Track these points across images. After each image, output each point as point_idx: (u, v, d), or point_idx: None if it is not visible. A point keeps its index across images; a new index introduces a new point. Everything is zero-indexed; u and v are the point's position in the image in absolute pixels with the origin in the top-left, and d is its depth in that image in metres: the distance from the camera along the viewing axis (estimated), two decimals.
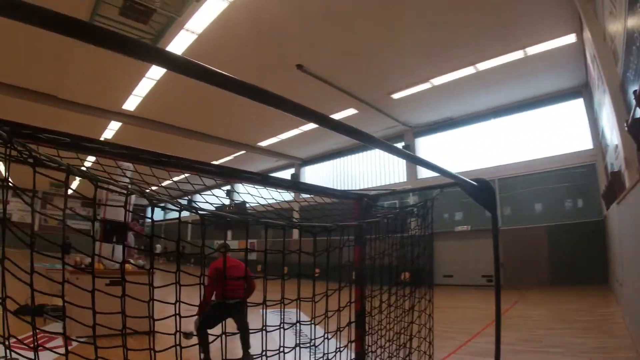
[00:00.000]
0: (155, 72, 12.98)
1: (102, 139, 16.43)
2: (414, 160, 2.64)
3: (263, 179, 3.09)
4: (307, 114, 1.72)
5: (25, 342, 1.40)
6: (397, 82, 13.28)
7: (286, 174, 25.59)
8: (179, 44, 11.00)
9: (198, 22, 9.89)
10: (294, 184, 3.49)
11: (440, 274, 16.51)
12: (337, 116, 15.81)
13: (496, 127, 16.52)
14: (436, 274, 16.70)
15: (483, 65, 12.15)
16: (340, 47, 11.26)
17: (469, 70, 12.44)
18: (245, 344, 4.97)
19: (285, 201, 3.60)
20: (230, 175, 2.95)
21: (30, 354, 1.44)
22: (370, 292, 3.37)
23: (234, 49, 11.32)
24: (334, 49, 11.32)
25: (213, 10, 9.26)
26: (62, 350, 1.56)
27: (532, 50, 11.25)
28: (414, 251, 3.52)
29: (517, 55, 11.53)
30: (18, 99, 14.81)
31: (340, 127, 1.89)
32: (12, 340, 1.49)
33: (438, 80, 13.09)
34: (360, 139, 2.01)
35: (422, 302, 3.52)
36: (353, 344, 3.16)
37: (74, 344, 1.99)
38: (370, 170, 20.86)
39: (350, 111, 15.79)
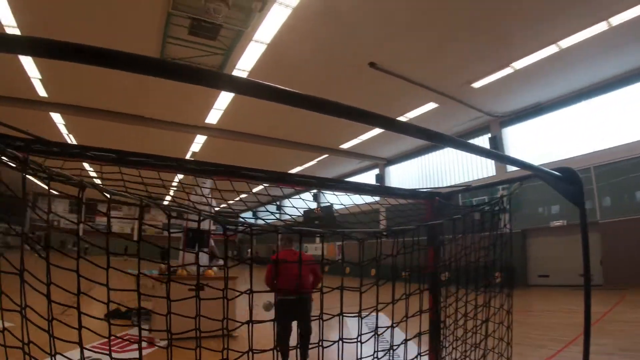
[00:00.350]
0: None
1: (190, 152, 17.88)
2: (476, 152, 2.37)
3: (319, 183, 2.99)
4: (374, 119, 1.66)
5: (113, 344, 1.51)
6: (476, 69, 12.50)
7: (370, 175, 25.27)
8: (250, 56, 11.41)
9: (265, 32, 10.10)
10: (355, 187, 3.34)
11: (535, 273, 15.30)
12: (416, 112, 15.51)
13: (588, 109, 14.83)
14: (530, 274, 15.51)
15: (566, 43, 10.99)
16: (414, 40, 10.85)
17: (551, 50, 11.33)
18: (304, 354, 4.43)
19: (367, 203, 3.39)
20: (280, 180, 2.87)
21: (119, 355, 1.59)
22: (446, 299, 3.09)
23: (304, 53, 11.43)
24: (407, 42, 10.94)
25: (277, 18, 9.41)
26: (146, 352, 1.71)
27: (617, 19, 9.97)
28: (492, 252, 3.15)
29: (601, 27, 10.29)
30: (108, 122, 16.38)
31: (409, 129, 1.80)
32: (101, 342, 1.68)
33: (519, 64, 12.10)
34: (429, 139, 1.89)
35: (501, 311, 3.14)
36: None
37: (159, 344, 2.27)
38: (457, 166, 19.79)
39: (430, 105, 15.16)
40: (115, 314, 6.72)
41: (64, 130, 18.93)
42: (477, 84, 13.36)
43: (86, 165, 2.62)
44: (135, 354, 4.93)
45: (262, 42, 10.67)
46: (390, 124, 1.74)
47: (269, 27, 9.79)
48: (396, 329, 2.46)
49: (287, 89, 1.30)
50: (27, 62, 12.20)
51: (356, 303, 2.22)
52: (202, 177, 4.01)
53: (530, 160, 2.31)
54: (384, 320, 2.71)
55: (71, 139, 20.15)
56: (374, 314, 2.27)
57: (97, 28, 10.62)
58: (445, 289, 3.15)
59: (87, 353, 1.62)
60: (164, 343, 1.87)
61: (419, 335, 2.67)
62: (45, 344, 1.49)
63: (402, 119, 15.98)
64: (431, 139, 1.87)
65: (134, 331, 6.71)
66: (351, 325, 2.87)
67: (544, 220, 15.48)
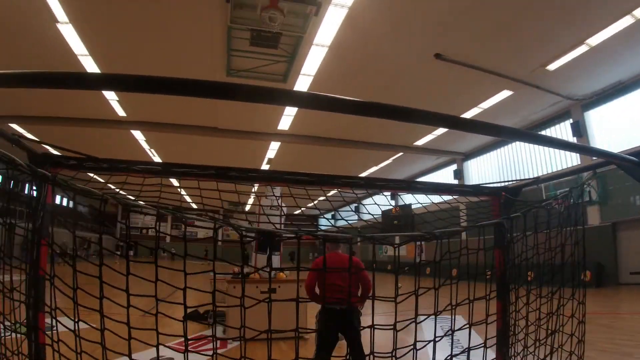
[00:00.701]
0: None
1: (266, 158, 18.51)
2: (537, 141, 2.15)
3: (367, 183, 2.90)
4: (437, 120, 1.64)
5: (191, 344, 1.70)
6: (549, 50, 11.44)
7: (448, 172, 24.37)
8: (313, 60, 11.53)
9: (324, 35, 10.13)
10: (409, 185, 3.21)
11: (626, 270, 13.80)
12: (490, 101, 14.68)
13: None
14: (621, 271, 14.00)
15: None
16: (478, 25, 10.20)
17: (626, 21, 10.12)
18: None
19: (446, 202, 3.23)
20: (324, 183, 2.83)
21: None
22: (515, 305, 2.76)
23: (366, 52, 11.30)
24: (472, 28, 10.32)
25: (335, 19, 9.38)
26: (220, 351, 1.81)
27: None
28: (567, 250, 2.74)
29: None
30: (185, 135, 17.47)
31: (475, 126, 1.67)
32: (177, 342, 1.80)
33: (594, 40, 10.85)
34: (497, 134, 1.80)
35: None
36: None
37: (231, 344, 2.45)
38: (539, 155, 18.17)
39: (504, 93, 14.18)
40: (193, 316, 7.04)
41: (145, 146, 20.44)
42: (551, 66, 12.24)
43: (174, 181, 2.81)
44: (209, 354, 5.14)
45: (323, 45, 10.70)
46: (454, 123, 1.69)
47: (328, 29, 9.80)
48: (463, 335, 2.28)
49: (347, 98, 1.35)
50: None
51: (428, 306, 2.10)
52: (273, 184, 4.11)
53: (621, 144, 2.03)
54: (447, 323, 2.49)
55: (153, 154, 21.64)
56: (447, 316, 2.14)
57: (166, 51, 11.41)
58: (518, 291, 2.79)
59: (163, 351, 1.74)
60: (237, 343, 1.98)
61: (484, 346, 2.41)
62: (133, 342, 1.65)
63: (475, 110, 15.25)
64: (492, 133, 1.75)
65: (209, 332, 6.99)
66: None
67: (637, 211, 13.85)
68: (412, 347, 1.96)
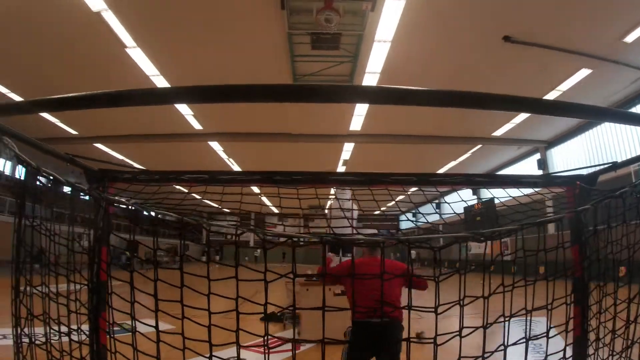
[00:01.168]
0: None
1: (341, 160, 18.72)
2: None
3: (419, 179, 2.78)
4: (518, 104, 1.63)
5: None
6: (625, 20, 10.12)
7: (532, 162, 22.45)
8: (377, 57, 11.36)
9: (385, 30, 9.89)
10: (467, 179, 3.00)
11: None
12: (568, 83, 13.44)
13: None
14: None
15: None
16: (547, 1, 9.37)
17: None
18: None
19: (527, 195, 2.89)
20: (373, 183, 2.76)
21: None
22: (599, 306, 2.33)
23: (430, 42, 10.93)
24: (541, 5, 9.49)
25: (393, 13, 9.10)
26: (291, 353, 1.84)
27: None
28: None
29: None
30: (261, 143, 18.15)
31: (554, 107, 1.57)
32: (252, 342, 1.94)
33: None
34: (580, 115, 1.76)
35: None
36: None
37: (304, 347, 2.49)
38: (633, 135, 15.90)
39: (583, 72, 12.81)
40: (270, 317, 7.27)
41: (224, 155, 21.54)
42: (629, 38, 10.81)
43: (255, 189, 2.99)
44: (282, 356, 5.27)
45: (385, 41, 10.46)
46: (535, 106, 1.62)
47: (387, 24, 9.55)
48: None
49: (419, 89, 1.40)
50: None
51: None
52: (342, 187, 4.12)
53: None
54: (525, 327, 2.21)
55: (232, 163, 22.71)
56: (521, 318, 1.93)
57: (231, 64, 11.97)
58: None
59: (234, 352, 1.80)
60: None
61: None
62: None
63: (554, 93, 14.11)
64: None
65: (284, 334, 7.16)
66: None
67: None
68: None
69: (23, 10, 9.42)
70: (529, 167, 22.71)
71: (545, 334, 1.97)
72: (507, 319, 1.83)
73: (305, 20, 9.13)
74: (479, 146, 20.73)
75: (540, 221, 1.97)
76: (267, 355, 1.74)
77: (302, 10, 8.88)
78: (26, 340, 1.83)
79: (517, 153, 23.36)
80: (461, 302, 1.71)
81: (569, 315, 2.20)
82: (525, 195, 2.82)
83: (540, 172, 20.87)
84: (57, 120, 16.93)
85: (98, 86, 12.41)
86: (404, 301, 2.45)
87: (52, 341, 1.85)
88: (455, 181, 2.94)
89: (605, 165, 2.84)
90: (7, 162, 26.16)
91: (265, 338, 1.68)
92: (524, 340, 1.88)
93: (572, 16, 9.89)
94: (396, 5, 8.81)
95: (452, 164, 23.75)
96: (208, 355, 1.60)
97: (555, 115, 1.49)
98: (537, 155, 21.81)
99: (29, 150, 1.84)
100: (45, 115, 15.76)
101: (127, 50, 11.03)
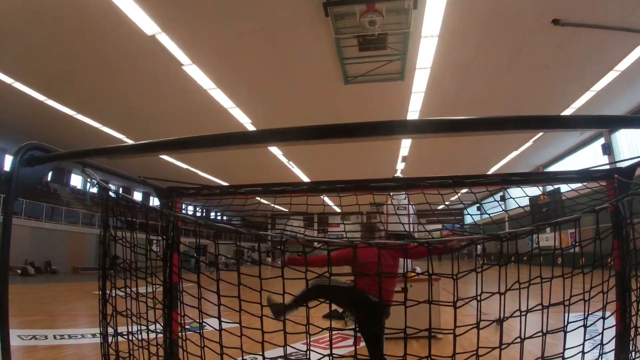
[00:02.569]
0: (420, 86, 13.66)
1: (399, 157, 18.52)
2: None
3: (455, 181, 2.86)
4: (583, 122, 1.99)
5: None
6: None
7: (596, 147, 20.85)
8: (425, 53, 11.29)
9: (431, 25, 9.81)
10: (502, 179, 3.04)
11: None
12: (626, 62, 12.41)
13: None
14: None
15: None
16: None
17: None
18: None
19: (588, 187, 2.91)
20: (408, 187, 2.93)
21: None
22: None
23: (477, 34, 10.68)
24: None
25: (437, 7, 9.02)
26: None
27: None
28: None
29: None
30: (315, 145, 18.49)
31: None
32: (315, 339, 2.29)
33: None
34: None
35: None
36: None
37: (363, 343, 2.79)
38: None
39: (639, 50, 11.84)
40: (332, 315, 7.54)
41: (284, 159, 22.35)
42: None
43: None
44: (342, 351, 5.54)
45: (432, 36, 10.36)
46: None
47: (432, 18, 9.47)
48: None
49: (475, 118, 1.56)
50: (238, 113, 15.46)
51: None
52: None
53: None
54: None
55: (292, 166, 23.34)
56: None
57: (288, 72, 12.52)
58: None
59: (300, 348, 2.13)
60: None
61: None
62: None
63: (612, 73, 13.19)
64: None
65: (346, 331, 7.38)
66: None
67: None
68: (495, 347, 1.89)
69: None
70: (593, 153, 21.19)
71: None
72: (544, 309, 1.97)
73: (350, 24, 9.34)
74: (540, 134, 19.56)
75: (556, 221, 2.05)
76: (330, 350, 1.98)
77: (345, 15, 9.10)
78: (111, 332, 2.22)
79: (579, 139, 21.98)
80: (478, 297, 1.92)
81: (605, 310, 2.20)
82: (585, 186, 2.88)
83: (605, 158, 19.54)
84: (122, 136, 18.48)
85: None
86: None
87: (132, 335, 2.24)
88: (491, 181, 3.02)
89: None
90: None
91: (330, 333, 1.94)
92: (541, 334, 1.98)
93: None
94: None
95: (514, 154, 22.76)
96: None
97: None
98: (602, 140, 20.32)
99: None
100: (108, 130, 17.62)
101: (184, 67, 11.91)
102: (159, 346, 2.37)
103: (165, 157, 21.26)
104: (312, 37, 10.43)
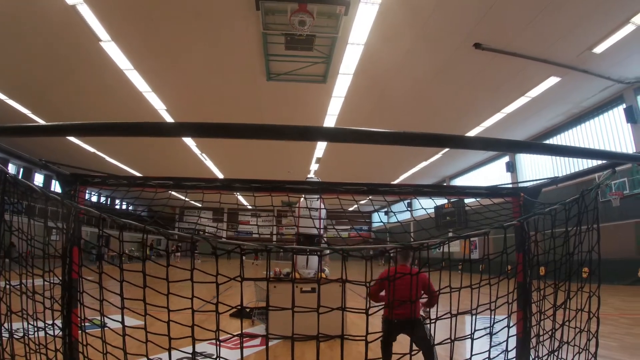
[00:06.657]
0: (341, 90, 13.93)
1: (314, 158, 18.71)
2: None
3: (370, 189, 2.94)
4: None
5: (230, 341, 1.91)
6: (594, 32, 10.61)
7: (500, 165, 23.19)
8: (350, 59, 11.54)
9: (358, 34, 10.07)
10: (415, 189, 3.15)
11: None
12: (538, 89, 13.98)
13: None
14: None
15: None
16: (517, 9, 9.60)
17: None
18: None
19: (492, 201, 3.13)
20: (323, 191, 2.94)
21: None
22: (540, 307, 2.56)
23: (402, 47, 11.16)
24: (510, 13, 9.75)
25: (367, 17, 9.29)
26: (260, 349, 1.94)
27: None
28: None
29: None
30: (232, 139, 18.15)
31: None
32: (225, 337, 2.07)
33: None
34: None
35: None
36: None
37: (271, 342, 2.66)
38: (591, 143, 16.65)
39: (552, 80, 13.37)
40: (238, 313, 7.37)
41: (197, 151, 21.82)
42: (598, 49, 11.33)
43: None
44: (249, 351, 5.41)
45: (358, 44, 10.64)
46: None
47: (360, 27, 9.74)
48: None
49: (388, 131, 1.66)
50: (153, 98, 14.95)
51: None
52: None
53: None
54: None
55: (204, 158, 22.77)
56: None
57: (209, 61, 12.11)
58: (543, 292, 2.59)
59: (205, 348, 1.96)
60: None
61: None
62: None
63: (524, 99, 14.62)
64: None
65: (253, 330, 7.28)
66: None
67: None
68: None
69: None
70: (497, 170, 23.43)
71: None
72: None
73: (280, 21, 9.25)
74: (447, 149, 21.06)
75: (467, 234, 2.19)
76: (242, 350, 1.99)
77: (276, 11, 8.99)
78: (6, 335, 1.95)
79: (485, 156, 24.10)
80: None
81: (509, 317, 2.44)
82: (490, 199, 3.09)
83: (509, 175, 21.50)
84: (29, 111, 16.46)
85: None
86: None
87: (29, 335, 1.98)
88: (405, 191, 3.11)
89: (546, 180, 3.04)
90: None
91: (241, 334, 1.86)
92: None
93: (542, 26, 10.26)
94: (370, 10, 9.01)
95: (424, 164, 24.22)
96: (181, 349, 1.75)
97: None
98: (506, 158, 22.48)
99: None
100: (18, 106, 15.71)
101: (102, 44, 10.98)
102: (57, 351, 2.13)
103: (71, 138, 19.48)
104: (241, 29, 10.13)
